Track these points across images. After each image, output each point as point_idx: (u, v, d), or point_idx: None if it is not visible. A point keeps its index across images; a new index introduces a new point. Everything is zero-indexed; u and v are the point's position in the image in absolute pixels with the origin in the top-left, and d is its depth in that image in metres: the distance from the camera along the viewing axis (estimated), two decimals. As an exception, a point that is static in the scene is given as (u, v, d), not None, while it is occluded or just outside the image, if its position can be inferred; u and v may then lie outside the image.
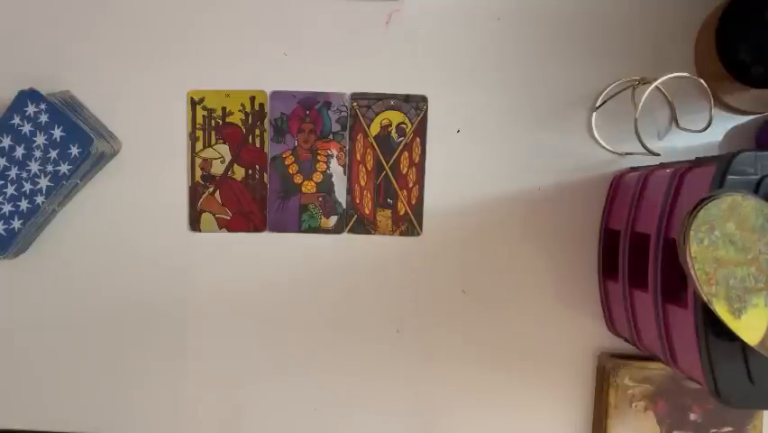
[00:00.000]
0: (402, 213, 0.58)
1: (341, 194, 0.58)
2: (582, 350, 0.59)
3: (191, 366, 0.59)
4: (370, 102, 0.58)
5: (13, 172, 0.53)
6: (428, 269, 0.58)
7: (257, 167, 0.58)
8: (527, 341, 0.59)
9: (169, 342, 0.59)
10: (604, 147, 0.58)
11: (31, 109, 0.53)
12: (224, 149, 0.58)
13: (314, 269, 0.58)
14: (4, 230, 0.53)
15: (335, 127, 0.58)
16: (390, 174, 0.58)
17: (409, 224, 0.58)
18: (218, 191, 0.58)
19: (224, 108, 0.58)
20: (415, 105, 0.58)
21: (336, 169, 0.58)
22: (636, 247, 0.50)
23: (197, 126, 0.58)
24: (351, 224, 0.58)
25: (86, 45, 0.57)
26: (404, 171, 0.58)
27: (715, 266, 0.37)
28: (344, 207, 0.58)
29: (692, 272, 0.37)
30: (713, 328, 0.39)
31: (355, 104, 0.58)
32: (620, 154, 0.58)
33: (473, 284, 0.59)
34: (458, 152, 0.58)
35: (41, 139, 0.53)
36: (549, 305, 0.59)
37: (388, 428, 0.59)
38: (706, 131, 0.56)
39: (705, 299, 0.37)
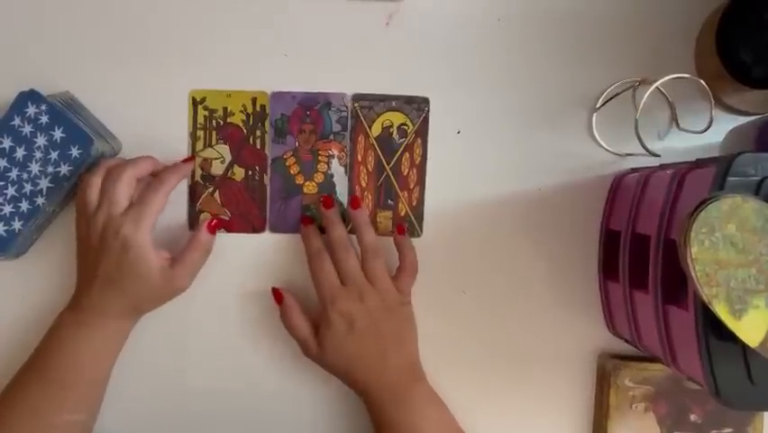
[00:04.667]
0: (403, 214, 0.58)
1: (342, 194, 0.58)
2: (583, 351, 0.59)
3: (190, 366, 0.59)
4: (371, 103, 0.58)
5: (14, 173, 0.53)
6: (429, 270, 0.58)
7: (257, 168, 0.58)
8: (527, 342, 0.59)
9: (168, 342, 0.59)
10: (604, 148, 0.58)
11: (31, 110, 0.53)
12: (224, 149, 0.58)
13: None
14: (5, 231, 0.53)
15: (336, 128, 0.58)
16: (391, 175, 0.58)
17: (410, 225, 0.58)
18: (218, 191, 0.58)
19: (225, 108, 0.58)
20: (417, 106, 0.58)
21: (338, 169, 0.58)
22: (637, 248, 0.50)
23: (198, 126, 0.58)
24: (350, 225, 0.58)
25: (86, 45, 0.57)
26: (405, 172, 0.58)
27: (715, 267, 0.37)
28: (345, 207, 0.58)
29: (693, 274, 0.37)
30: (713, 330, 0.39)
31: (357, 105, 0.58)
32: (620, 155, 0.58)
33: (474, 285, 0.59)
34: (458, 153, 0.58)
35: (41, 140, 0.53)
36: (549, 306, 0.59)
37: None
38: (706, 132, 0.56)
39: (705, 300, 0.37)
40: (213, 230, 0.55)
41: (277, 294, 0.56)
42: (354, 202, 0.57)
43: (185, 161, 0.57)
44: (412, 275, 0.56)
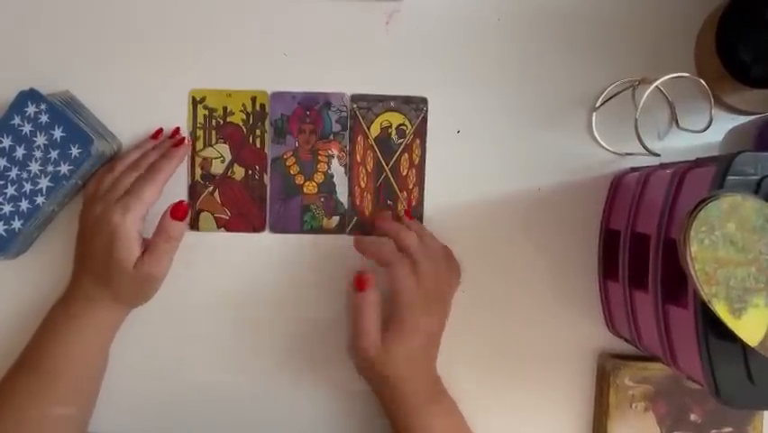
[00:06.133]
0: (402, 214, 0.58)
1: (342, 194, 0.58)
2: (582, 350, 0.59)
3: (189, 365, 0.59)
4: (370, 104, 0.58)
5: (14, 173, 0.53)
6: (428, 269, 0.58)
7: (257, 167, 0.58)
8: (527, 341, 0.59)
9: (167, 341, 0.59)
10: (604, 147, 0.58)
11: (31, 109, 0.53)
12: (224, 148, 0.58)
13: (314, 269, 0.58)
14: (5, 230, 0.53)
15: (336, 127, 0.58)
16: (390, 176, 0.58)
17: (409, 224, 0.58)
18: (217, 191, 0.58)
19: (225, 108, 0.58)
20: (415, 106, 0.58)
21: (338, 169, 0.58)
22: (637, 248, 0.50)
23: (198, 126, 0.58)
24: (351, 225, 0.58)
25: (87, 45, 0.57)
26: (404, 173, 0.58)
27: (715, 266, 0.37)
28: (346, 207, 0.58)
29: (692, 273, 0.37)
30: (713, 329, 0.39)
31: (355, 105, 0.58)
32: (620, 154, 0.58)
33: (473, 284, 0.59)
34: (458, 153, 0.58)
35: (41, 139, 0.53)
36: (549, 305, 0.59)
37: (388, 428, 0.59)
38: (706, 131, 0.56)
39: (705, 299, 0.37)
40: (178, 215, 0.52)
41: (364, 281, 0.52)
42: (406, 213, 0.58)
43: (176, 144, 0.56)
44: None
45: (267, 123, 0.58)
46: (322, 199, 0.58)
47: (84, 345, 0.52)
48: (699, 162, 0.45)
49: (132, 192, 0.52)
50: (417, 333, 0.51)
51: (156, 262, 0.52)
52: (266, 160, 0.58)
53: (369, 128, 0.58)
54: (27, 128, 0.53)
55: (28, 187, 0.53)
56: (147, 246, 0.52)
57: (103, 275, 0.52)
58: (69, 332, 0.52)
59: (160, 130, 0.57)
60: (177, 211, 0.52)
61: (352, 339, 0.52)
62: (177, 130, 0.57)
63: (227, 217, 0.58)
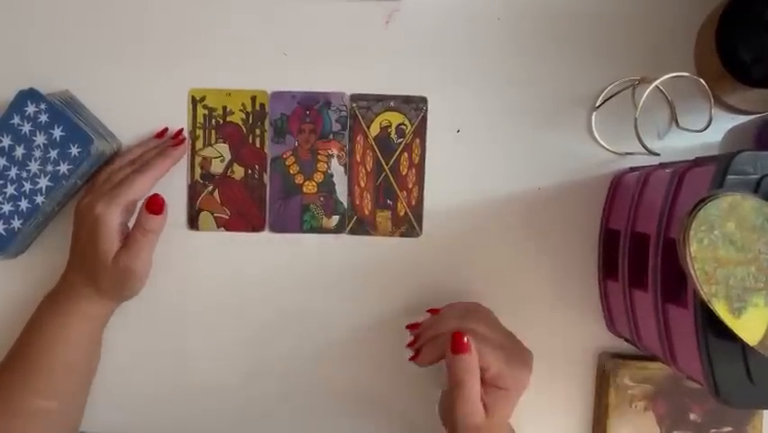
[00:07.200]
0: (402, 214, 0.58)
1: (342, 193, 0.58)
2: (582, 350, 0.59)
3: (189, 365, 0.59)
4: (369, 103, 0.58)
5: (13, 172, 0.53)
6: (428, 270, 0.58)
7: (256, 167, 0.58)
8: (527, 341, 0.59)
9: (167, 340, 0.59)
10: (604, 147, 0.58)
11: (30, 109, 0.53)
12: (223, 148, 0.58)
13: (314, 269, 0.58)
14: (4, 230, 0.53)
15: (336, 127, 0.58)
16: (390, 175, 0.58)
17: (409, 225, 0.58)
18: (217, 190, 0.58)
19: (224, 107, 0.58)
20: (414, 106, 0.58)
21: (337, 168, 0.58)
22: (636, 247, 0.50)
23: (198, 125, 0.58)
24: (350, 224, 0.58)
25: (86, 45, 0.57)
26: (403, 173, 0.58)
27: (715, 266, 0.37)
28: (345, 206, 0.58)
29: (692, 272, 0.37)
30: (713, 328, 0.39)
31: (355, 105, 0.58)
32: (620, 154, 0.58)
33: (473, 285, 0.59)
34: (458, 153, 0.58)
35: (40, 139, 0.53)
36: (549, 305, 0.59)
37: (388, 431, 0.59)
38: (706, 130, 0.56)
39: (705, 298, 0.37)
40: (153, 208, 0.51)
41: (465, 345, 0.48)
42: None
43: (175, 144, 0.56)
44: None
45: (267, 122, 0.58)
46: (321, 199, 0.58)
47: (66, 339, 0.52)
48: (698, 162, 0.45)
49: (121, 184, 0.52)
50: (517, 393, 0.50)
51: (133, 256, 0.51)
52: (265, 159, 0.58)
53: (368, 128, 0.58)
54: (27, 128, 0.53)
55: (28, 186, 0.53)
56: (125, 240, 0.52)
57: (87, 268, 0.52)
58: (53, 325, 0.52)
59: (165, 129, 0.57)
60: (151, 204, 0.52)
61: (453, 403, 0.48)
62: (180, 131, 0.57)
63: (227, 217, 0.58)
